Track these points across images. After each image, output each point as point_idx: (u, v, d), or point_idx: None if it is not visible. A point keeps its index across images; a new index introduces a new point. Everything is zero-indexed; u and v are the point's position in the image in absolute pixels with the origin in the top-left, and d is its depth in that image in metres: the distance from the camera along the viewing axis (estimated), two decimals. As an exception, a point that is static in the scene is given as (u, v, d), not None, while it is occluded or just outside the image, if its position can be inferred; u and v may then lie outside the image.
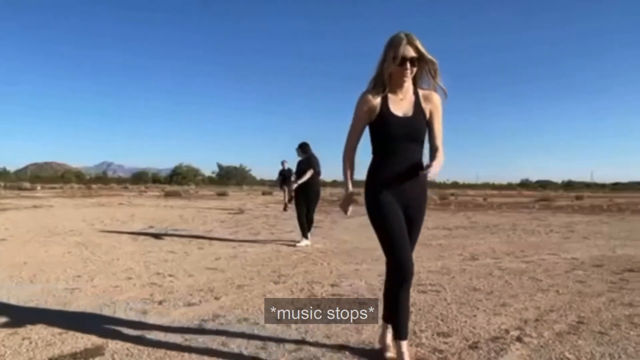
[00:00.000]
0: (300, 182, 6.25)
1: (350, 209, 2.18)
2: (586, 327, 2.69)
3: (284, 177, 13.40)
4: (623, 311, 3.04)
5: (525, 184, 78.18)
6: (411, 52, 1.95)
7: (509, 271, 4.41)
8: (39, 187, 33.67)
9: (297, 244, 6.05)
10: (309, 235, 6.28)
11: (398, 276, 1.99)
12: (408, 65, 1.96)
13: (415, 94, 2.08)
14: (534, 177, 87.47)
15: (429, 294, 3.49)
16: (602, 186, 74.09)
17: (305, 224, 6.27)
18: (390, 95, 2.05)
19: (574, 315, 2.94)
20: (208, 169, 76.15)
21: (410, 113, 2.04)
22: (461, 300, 3.30)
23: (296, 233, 6.74)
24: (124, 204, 15.58)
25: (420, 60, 1.99)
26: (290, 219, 9.74)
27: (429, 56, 1.99)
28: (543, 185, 72.01)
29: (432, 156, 2.04)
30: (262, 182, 66.93)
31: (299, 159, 6.52)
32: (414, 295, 3.43)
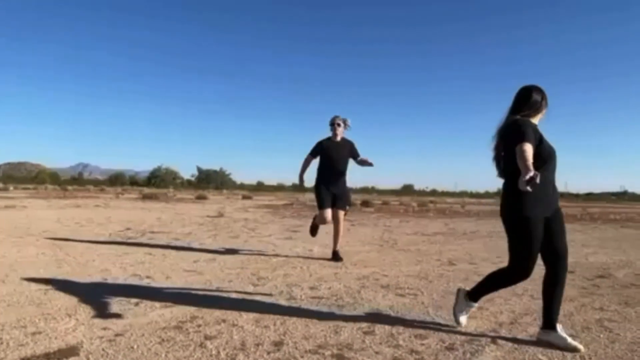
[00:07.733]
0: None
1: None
2: (558, 330, 2.76)
3: (331, 162, 5.28)
4: (594, 315, 3.14)
5: (502, 193, 79.30)
6: None
7: (485, 276, 4.47)
8: (11, 188, 32.77)
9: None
10: None
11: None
12: None
13: None
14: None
15: (407, 297, 3.54)
16: (575, 196, 75.78)
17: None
18: None
19: (546, 318, 3.00)
20: (187, 172, 75.26)
21: None
22: (438, 304, 3.35)
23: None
24: (101, 205, 15.28)
25: None
26: (270, 223, 9.65)
27: None
28: (519, 194, 72.85)
29: None
30: (242, 186, 66.54)
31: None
32: (392, 298, 3.46)
